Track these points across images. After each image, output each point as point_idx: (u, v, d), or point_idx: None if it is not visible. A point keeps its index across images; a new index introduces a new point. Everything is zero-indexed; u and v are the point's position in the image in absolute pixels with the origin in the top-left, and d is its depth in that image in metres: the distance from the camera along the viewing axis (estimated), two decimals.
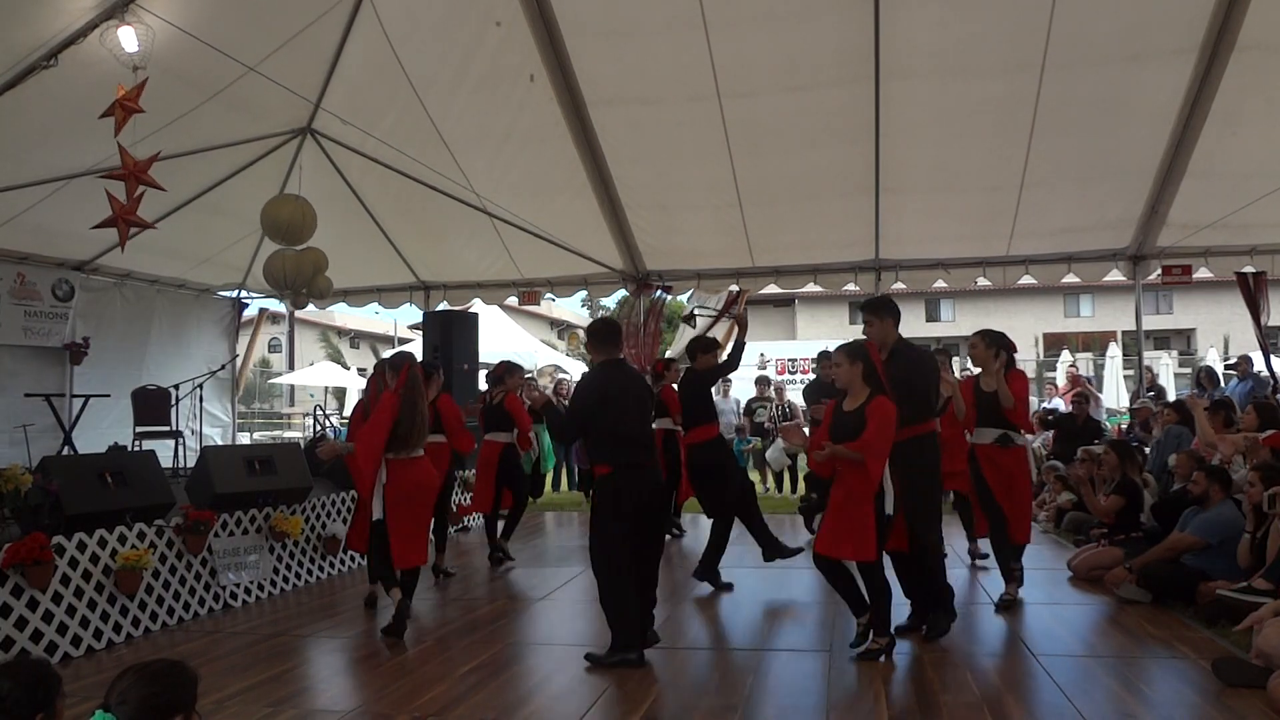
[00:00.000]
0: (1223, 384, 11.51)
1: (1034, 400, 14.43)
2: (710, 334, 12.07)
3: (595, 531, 4.71)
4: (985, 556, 6.87)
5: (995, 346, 5.72)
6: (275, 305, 14.57)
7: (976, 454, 5.80)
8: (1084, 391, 11.74)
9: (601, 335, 4.98)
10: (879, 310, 5.19)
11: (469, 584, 6.94)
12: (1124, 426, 11.96)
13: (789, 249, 10.64)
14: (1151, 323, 32.02)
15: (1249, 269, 10.06)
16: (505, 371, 7.83)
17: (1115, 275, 10.56)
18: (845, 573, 4.72)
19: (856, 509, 4.58)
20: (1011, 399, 5.60)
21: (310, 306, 13.05)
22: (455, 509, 8.78)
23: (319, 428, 13.46)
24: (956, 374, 8.02)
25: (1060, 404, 12.50)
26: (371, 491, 5.25)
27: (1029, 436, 11.96)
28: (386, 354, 7.17)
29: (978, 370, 5.91)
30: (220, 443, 11.79)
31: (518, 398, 7.58)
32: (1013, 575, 5.82)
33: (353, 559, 7.58)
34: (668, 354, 11.96)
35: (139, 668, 2.40)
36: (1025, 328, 38.46)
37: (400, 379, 5.33)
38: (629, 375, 4.98)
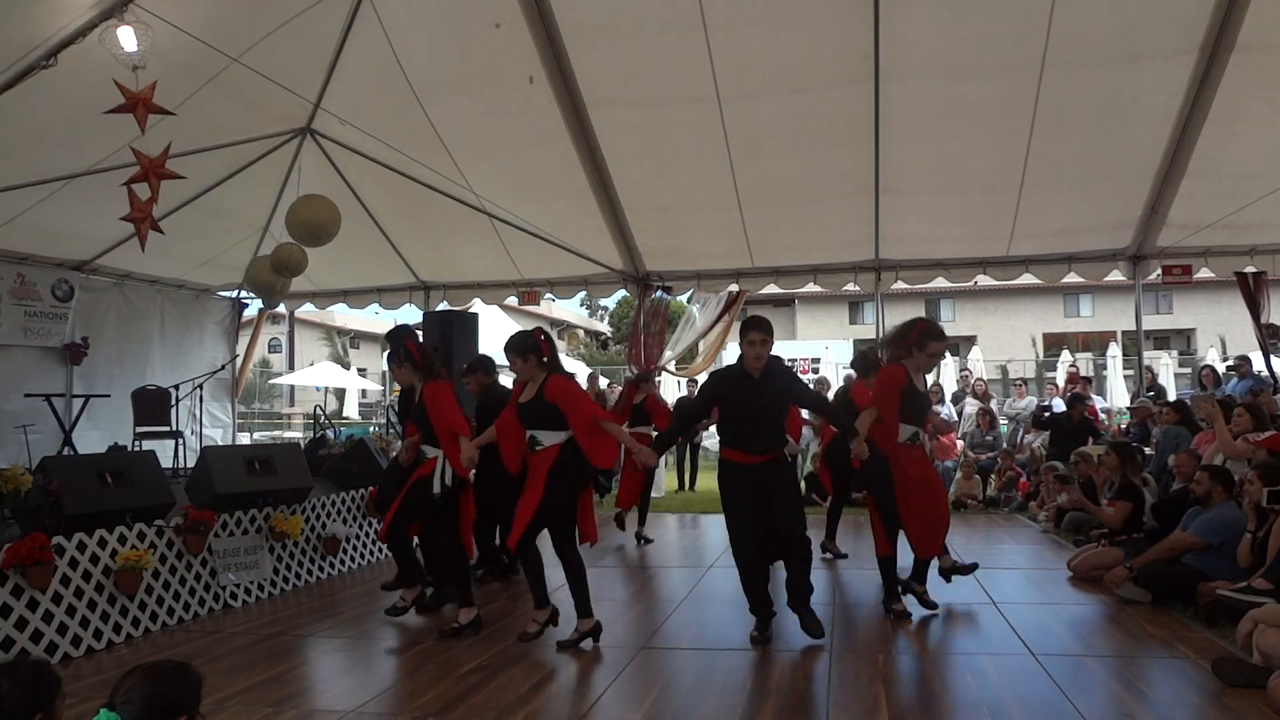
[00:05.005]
0: (1223, 383, 11.52)
1: (1032, 400, 14.39)
2: (709, 332, 12.13)
3: None
4: (844, 556, 7.46)
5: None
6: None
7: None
8: (1079, 392, 11.71)
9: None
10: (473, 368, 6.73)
11: None
12: (1123, 426, 11.93)
13: (789, 250, 10.63)
14: (1151, 323, 32.03)
15: (1249, 269, 10.07)
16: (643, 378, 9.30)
17: (1115, 275, 10.55)
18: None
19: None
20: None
21: (309, 306, 13.12)
22: None
23: (319, 428, 13.41)
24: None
25: (1060, 404, 12.47)
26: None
27: (1030, 436, 12.05)
28: (386, 354, 7.30)
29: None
30: (220, 443, 11.79)
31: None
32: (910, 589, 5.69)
33: (351, 559, 7.58)
34: (669, 354, 11.96)
35: (145, 667, 2.40)
36: (1025, 328, 38.49)
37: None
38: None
